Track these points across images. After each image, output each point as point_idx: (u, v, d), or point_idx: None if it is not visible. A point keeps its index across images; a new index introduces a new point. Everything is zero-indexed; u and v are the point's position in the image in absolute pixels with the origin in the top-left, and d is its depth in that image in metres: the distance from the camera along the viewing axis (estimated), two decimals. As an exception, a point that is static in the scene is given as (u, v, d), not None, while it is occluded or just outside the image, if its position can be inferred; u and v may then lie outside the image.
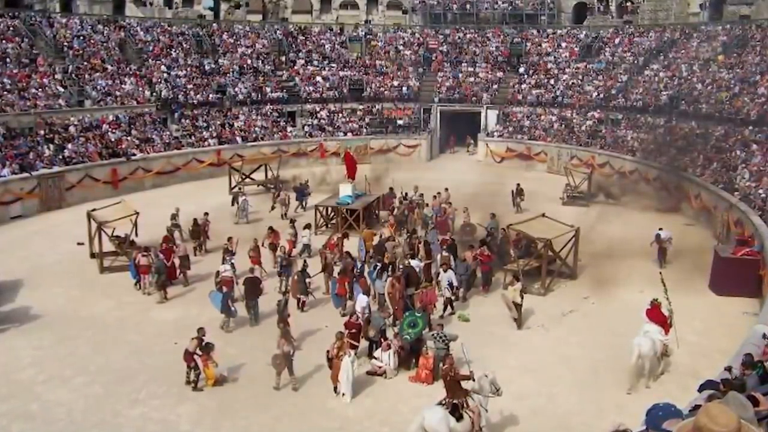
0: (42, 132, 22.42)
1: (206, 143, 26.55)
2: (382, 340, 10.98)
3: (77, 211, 18.47)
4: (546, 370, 10.76)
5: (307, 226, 16.73)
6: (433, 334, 10.69)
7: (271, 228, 15.94)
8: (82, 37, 27.66)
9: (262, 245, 15.17)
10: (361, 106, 30.91)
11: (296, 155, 27.99)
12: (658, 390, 9.97)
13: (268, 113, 29.40)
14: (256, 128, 28.37)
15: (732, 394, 2.95)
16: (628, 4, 34.07)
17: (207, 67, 30.00)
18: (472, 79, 32.04)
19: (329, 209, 18.90)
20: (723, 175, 19.33)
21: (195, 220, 16.80)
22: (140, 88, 27.05)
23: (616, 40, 31.44)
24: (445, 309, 13.02)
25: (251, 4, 37.35)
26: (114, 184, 22.63)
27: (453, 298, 13.16)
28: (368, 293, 12.64)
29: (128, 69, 27.70)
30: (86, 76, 26.01)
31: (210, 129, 27.27)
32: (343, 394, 9.94)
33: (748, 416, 2.64)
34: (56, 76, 25.08)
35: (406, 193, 19.42)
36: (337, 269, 13.82)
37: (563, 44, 32.48)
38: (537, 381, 10.40)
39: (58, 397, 9.99)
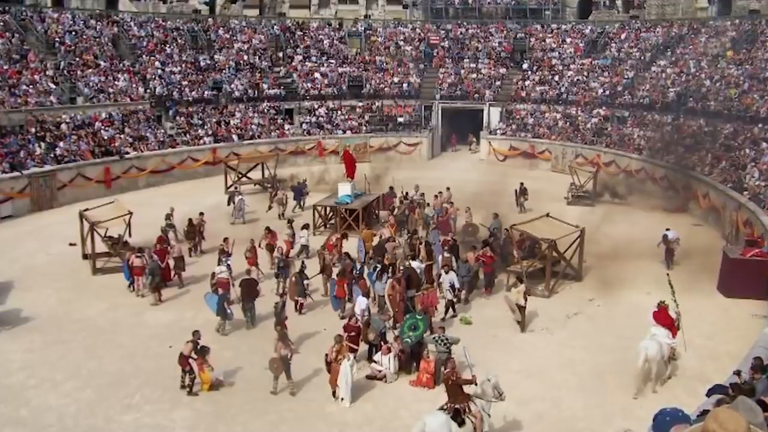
0: (33, 130, 22.21)
1: (201, 141, 26.32)
2: (382, 343, 10.95)
3: (69, 210, 18.35)
4: (550, 374, 10.68)
5: (305, 227, 16.57)
6: (434, 337, 10.60)
7: (268, 228, 15.81)
8: (74, 33, 27.40)
9: (259, 246, 15.04)
10: (360, 103, 30.62)
11: (294, 153, 27.81)
12: (665, 394, 9.89)
13: (265, 110, 29.12)
14: (253, 126, 28.11)
15: (741, 398, 2.94)
16: (635, -2, 33.76)
17: (202, 63, 29.71)
18: (474, 75, 31.77)
19: (328, 209, 18.73)
20: (732, 174, 19.16)
21: (190, 220, 16.61)
22: (134, 85, 26.80)
23: (623, 36, 31.18)
24: (446, 311, 12.91)
25: (248, -2, 36.99)
26: (107, 183, 22.46)
27: (455, 300, 13.06)
28: (368, 295, 12.62)
29: (121, 65, 27.46)
30: (78, 72, 25.76)
31: (205, 127, 27.02)
32: (342, 399, 9.85)
33: (757, 421, 2.62)
34: (47, 73, 24.83)
35: (407, 193, 19.25)
36: (335, 270, 13.67)
37: (568, 40, 32.21)
38: (541, 385, 10.32)
39: (49, 402, 9.88)
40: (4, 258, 16.05)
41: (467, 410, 8.21)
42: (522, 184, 20.88)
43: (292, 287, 13.06)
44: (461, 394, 8.33)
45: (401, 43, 33.68)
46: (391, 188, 19.94)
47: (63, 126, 23.17)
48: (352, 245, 15.66)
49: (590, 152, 26.07)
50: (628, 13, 34.04)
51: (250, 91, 29.52)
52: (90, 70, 26.10)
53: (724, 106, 23.35)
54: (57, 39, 26.71)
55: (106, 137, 23.79)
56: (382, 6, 37.02)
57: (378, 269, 13.18)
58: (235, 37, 31.91)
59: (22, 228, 18.76)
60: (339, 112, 30.28)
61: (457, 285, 12.92)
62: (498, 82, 31.28)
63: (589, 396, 10.00)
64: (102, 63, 26.81)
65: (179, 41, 30.26)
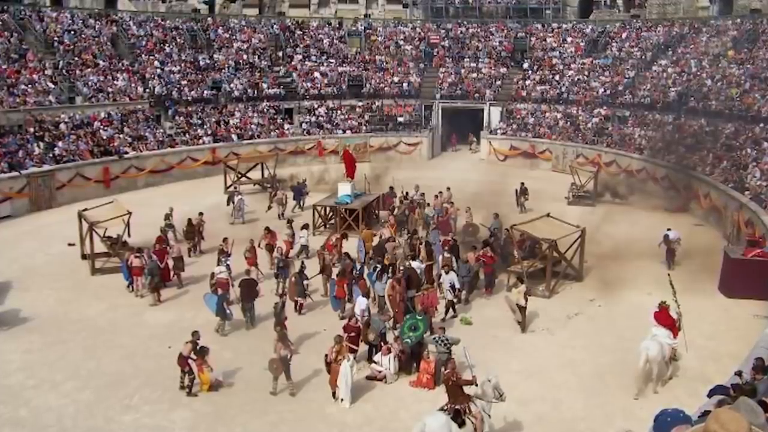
0: (32, 129, 22.14)
1: (201, 141, 26.23)
2: (382, 343, 10.89)
3: (68, 210, 18.25)
4: (551, 375, 10.64)
5: (305, 227, 16.51)
6: (434, 338, 10.56)
7: (267, 228, 15.74)
8: (73, 32, 27.32)
9: (259, 246, 14.97)
10: (360, 103, 30.54)
11: (293, 153, 27.72)
12: (666, 395, 9.87)
13: (265, 110, 29.04)
14: (253, 126, 28.03)
15: (742, 399, 2.94)
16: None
17: (202, 63, 29.62)
18: (474, 74, 31.70)
19: (327, 209, 18.66)
20: (733, 174, 19.12)
21: (189, 220, 16.53)
22: (133, 85, 26.71)
23: (623, 35, 31.11)
24: (446, 312, 12.85)
25: (248, -2, 36.89)
26: (106, 183, 22.38)
27: (455, 300, 13.00)
28: (368, 295, 12.56)
29: (120, 65, 27.37)
30: (77, 71, 25.67)
31: (205, 126, 26.93)
32: (342, 400, 9.81)
33: (759, 422, 2.61)
34: (46, 72, 24.73)
35: (407, 193, 19.20)
36: (335, 271, 13.59)
37: (569, 39, 32.14)
38: (541, 386, 10.28)
39: (48, 402, 9.84)
40: (3, 258, 15.97)
41: (467, 411, 8.17)
42: (522, 184, 20.82)
43: (292, 287, 12.99)
44: (461, 394, 8.29)
45: (401, 42, 33.61)
46: (391, 188, 19.88)
47: (62, 126, 23.07)
48: (352, 245, 15.58)
49: (591, 152, 25.98)
50: (629, 12, 33.97)
51: (249, 90, 29.43)
52: (89, 70, 26.00)
53: (725, 106, 23.28)
54: (56, 38, 26.62)
55: (105, 137, 23.71)
56: (382, 5, 36.95)
57: (378, 269, 13.11)
58: (234, 37, 31.82)
59: (20, 228, 18.67)
60: (339, 111, 30.19)
61: (457, 285, 12.86)
62: (498, 82, 31.20)
63: (589, 396, 9.96)
64: (101, 62, 26.72)
65: (178, 40, 30.17)
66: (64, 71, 25.33)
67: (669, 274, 12.24)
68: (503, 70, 31.75)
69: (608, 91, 28.45)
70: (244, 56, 30.92)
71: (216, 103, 28.24)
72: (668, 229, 15.81)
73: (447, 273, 12.81)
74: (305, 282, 13.08)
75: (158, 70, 28.17)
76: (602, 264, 15.32)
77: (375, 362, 10.65)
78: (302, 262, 14.03)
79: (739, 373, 7.59)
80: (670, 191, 21.25)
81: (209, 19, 33.03)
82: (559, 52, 31.59)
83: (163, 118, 26.83)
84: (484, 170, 26.34)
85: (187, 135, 26.20)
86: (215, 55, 30.31)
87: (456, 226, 17.46)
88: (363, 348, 10.97)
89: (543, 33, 32.88)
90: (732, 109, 22.95)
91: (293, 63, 31.72)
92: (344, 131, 29.24)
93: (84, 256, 15.66)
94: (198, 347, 10.15)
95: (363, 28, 34.12)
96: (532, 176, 23.52)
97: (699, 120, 23.50)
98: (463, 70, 31.94)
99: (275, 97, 29.80)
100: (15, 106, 22.48)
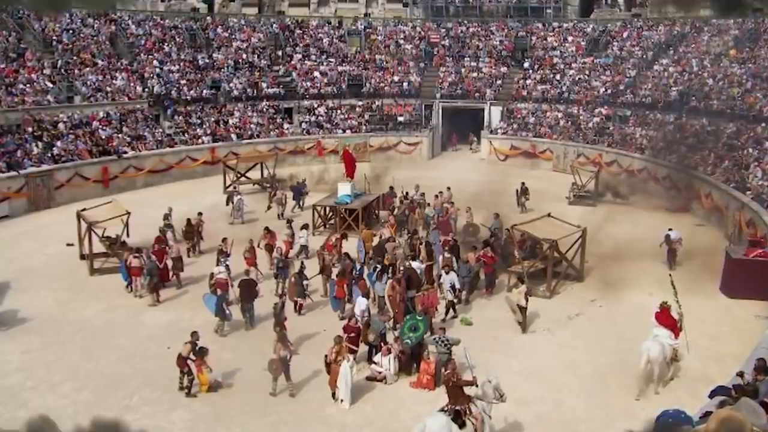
0: (30, 129, 22.10)
1: (200, 141, 26.16)
2: (382, 344, 10.91)
3: (67, 210, 18.25)
4: (551, 375, 10.65)
5: (305, 227, 16.49)
6: (434, 338, 10.56)
7: (267, 228, 15.72)
8: (71, 31, 27.30)
9: (258, 246, 14.96)
10: (360, 103, 30.49)
11: (293, 153, 27.67)
12: (667, 396, 9.86)
13: (264, 110, 28.98)
14: (252, 125, 27.98)
15: (744, 400, 2.98)
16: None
17: (201, 62, 29.57)
18: (475, 74, 31.65)
19: (327, 209, 18.63)
20: (735, 174, 19.11)
21: (188, 220, 16.51)
22: (132, 84, 26.66)
23: (624, 34, 31.08)
24: (447, 312, 12.85)
25: (247, -4, 36.79)
26: (105, 183, 22.36)
27: (455, 301, 13.00)
28: (368, 296, 12.58)
29: (119, 64, 27.32)
30: (76, 71, 25.63)
31: (204, 126, 26.88)
32: (342, 401, 9.82)
33: (760, 423, 2.63)
34: (45, 71, 24.69)
35: (407, 193, 19.17)
36: (335, 271, 13.55)
37: (569, 38, 32.10)
38: (542, 386, 10.29)
39: (47, 403, 9.85)
40: (1, 258, 15.95)
41: (468, 412, 8.16)
42: (523, 183, 20.81)
43: (292, 288, 12.98)
44: (462, 395, 8.28)
45: (401, 41, 33.56)
46: (391, 188, 19.86)
47: (60, 125, 23.03)
48: (351, 245, 15.57)
49: (592, 152, 25.94)
50: (630, 11, 33.92)
51: (249, 90, 29.37)
52: (87, 69, 25.95)
53: (726, 105, 23.29)
54: (54, 37, 26.58)
55: (103, 136, 23.67)
56: (382, 4, 36.86)
57: (378, 270, 13.11)
58: (233, 36, 31.77)
59: (19, 228, 18.65)
60: (338, 111, 30.14)
61: (457, 285, 12.86)
62: (499, 81, 31.15)
63: (590, 397, 9.97)
64: (100, 62, 26.67)
65: (177, 40, 30.11)
66: (62, 70, 25.29)
67: (670, 275, 12.22)
68: (504, 69, 31.69)
69: (609, 91, 28.40)
70: (244, 55, 30.86)
71: (215, 103, 28.17)
72: (670, 229, 15.80)
73: (447, 273, 12.81)
74: (305, 282, 13.07)
75: (157, 70, 28.11)
76: (603, 264, 15.31)
77: (375, 363, 10.66)
78: (302, 263, 14.00)
79: (740, 374, 7.60)
80: (672, 191, 21.25)
81: (208, 18, 32.94)
82: (560, 52, 31.55)
83: (162, 117, 26.77)
84: (485, 170, 26.31)
85: (186, 135, 26.14)
86: (214, 55, 30.25)
87: (456, 226, 17.42)
88: (363, 348, 10.97)
89: (544, 32, 32.83)
90: (733, 108, 22.95)
91: (293, 62, 31.66)
92: (344, 131, 29.18)
93: (83, 257, 15.64)
94: (197, 348, 10.16)
95: (363, 27, 34.06)
96: (532, 176, 23.51)
97: (700, 119, 23.49)
98: (463, 70, 31.88)
99: (275, 96, 29.74)
100: (13, 106, 22.43)
